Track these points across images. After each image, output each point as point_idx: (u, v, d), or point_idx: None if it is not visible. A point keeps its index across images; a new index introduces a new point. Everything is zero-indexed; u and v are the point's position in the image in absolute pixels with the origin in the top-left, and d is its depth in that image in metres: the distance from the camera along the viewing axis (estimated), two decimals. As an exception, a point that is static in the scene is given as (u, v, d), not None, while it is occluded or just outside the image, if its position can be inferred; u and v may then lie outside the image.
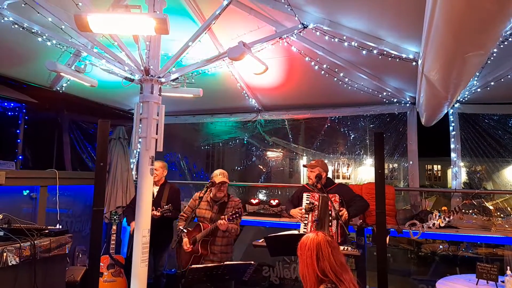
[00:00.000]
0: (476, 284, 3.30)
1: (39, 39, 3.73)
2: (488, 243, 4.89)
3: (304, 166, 4.19)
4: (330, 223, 3.69)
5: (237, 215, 3.77)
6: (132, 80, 3.30)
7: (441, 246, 5.91)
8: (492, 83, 4.19)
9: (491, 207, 4.60)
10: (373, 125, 5.62)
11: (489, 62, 3.58)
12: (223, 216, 3.78)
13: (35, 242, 3.20)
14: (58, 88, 5.07)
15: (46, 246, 3.32)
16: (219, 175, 3.98)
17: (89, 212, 4.53)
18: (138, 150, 3.75)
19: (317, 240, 2.20)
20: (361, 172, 6.17)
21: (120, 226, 5.26)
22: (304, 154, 6.39)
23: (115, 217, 5.01)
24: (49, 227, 3.60)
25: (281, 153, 6.75)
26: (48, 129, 5.71)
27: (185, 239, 3.84)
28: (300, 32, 3.71)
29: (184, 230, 3.76)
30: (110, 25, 2.62)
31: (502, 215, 4.52)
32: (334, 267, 2.13)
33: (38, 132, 5.43)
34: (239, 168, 7.00)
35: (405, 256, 6.25)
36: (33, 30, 3.64)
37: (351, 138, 5.92)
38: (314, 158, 5.01)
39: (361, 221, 4.43)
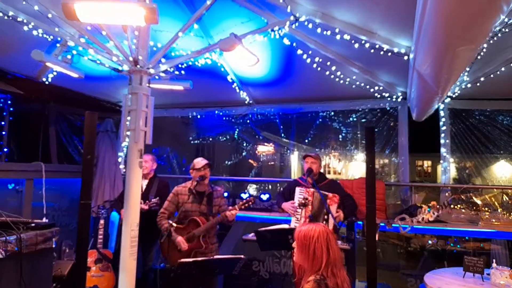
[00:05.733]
0: (463, 276, 3.33)
1: (25, 28, 3.63)
2: (475, 237, 4.95)
3: (307, 155, 4.16)
4: (326, 222, 3.69)
5: (251, 202, 3.81)
6: (120, 71, 3.23)
7: (429, 241, 5.97)
8: (482, 79, 4.21)
9: (479, 202, 4.64)
10: (365, 120, 5.62)
11: (479, 57, 3.58)
12: (231, 208, 3.77)
13: (21, 235, 3.13)
14: (45, 79, 4.92)
15: (32, 240, 3.23)
16: (200, 161, 3.93)
17: (76, 206, 4.42)
18: (127, 143, 3.69)
19: (326, 231, 2.13)
20: (352, 167, 6.18)
21: (107, 220, 5.19)
22: (295, 149, 6.37)
23: (102, 211, 4.93)
24: (35, 221, 3.52)
25: (272, 148, 6.73)
26: (34, 121, 5.59)
27: (179, 238, 3.71)
28: (292, 24, 3.68)
29: (173, 224, 3.70)
30: (98, 14, 2.56)
31: (489, 210, 4.57)
32: (335, 260, 2.09)
33: (23, 124, 5.32)
34: (229, 163, 6.96)
35: (394, 251, 6.30)
36: (18, 19, 3.54)
37: (343, 132, 5.92)
38: (305, 153, 4.97)
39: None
